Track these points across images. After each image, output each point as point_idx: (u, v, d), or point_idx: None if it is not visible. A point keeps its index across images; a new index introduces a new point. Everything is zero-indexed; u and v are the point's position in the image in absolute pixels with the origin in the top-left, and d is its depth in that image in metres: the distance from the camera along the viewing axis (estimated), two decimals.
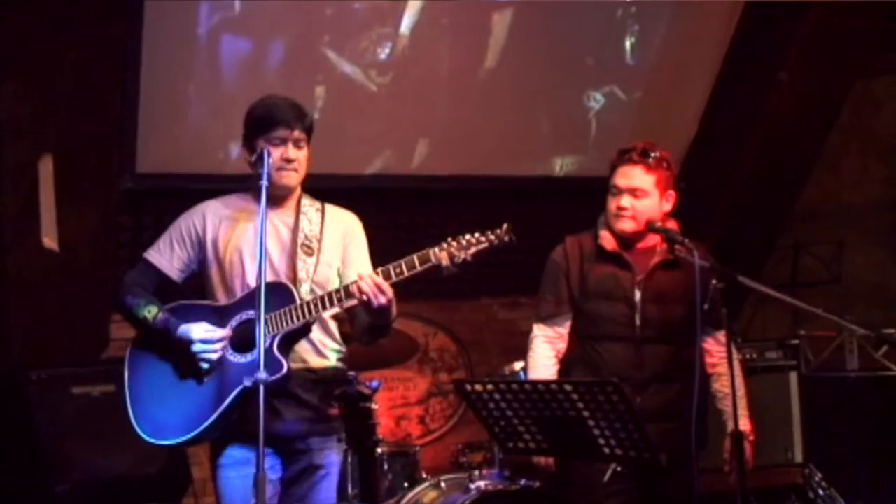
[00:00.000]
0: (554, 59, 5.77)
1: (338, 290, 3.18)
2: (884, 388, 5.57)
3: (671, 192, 3.72)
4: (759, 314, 6.75)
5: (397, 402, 6.25)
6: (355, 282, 3.15)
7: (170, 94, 4.97)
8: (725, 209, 6.45)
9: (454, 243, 3.17)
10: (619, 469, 3.45)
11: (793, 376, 5.60)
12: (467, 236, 3.18)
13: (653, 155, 3.68)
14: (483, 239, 3.18)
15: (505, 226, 3.21)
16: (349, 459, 4.52)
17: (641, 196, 3.65)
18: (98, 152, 4.90)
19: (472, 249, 3.16)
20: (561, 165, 6.12)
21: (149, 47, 4.74)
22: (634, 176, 3.66)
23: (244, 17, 5.02)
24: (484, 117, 5.75)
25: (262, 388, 2.89)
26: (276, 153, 3.23)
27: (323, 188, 5.39)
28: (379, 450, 4.63)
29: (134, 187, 5.03)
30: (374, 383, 4.72)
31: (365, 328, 3.36)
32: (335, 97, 5.37)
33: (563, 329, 3.77)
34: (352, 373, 4.67)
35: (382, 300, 3.13)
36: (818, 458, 5.52)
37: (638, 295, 3.64)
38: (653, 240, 3.71)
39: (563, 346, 3.78)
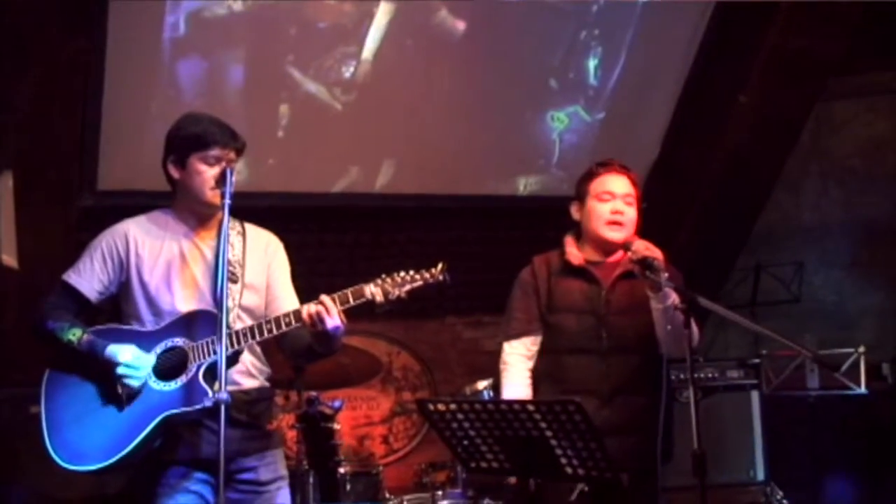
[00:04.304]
0: (518, 79, 5.80)
1: (286, 315, 3.12)
2: (844, 407, 5.63)
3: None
4: (720, 334, 6.80)
5: (360, 422, 6.22)
6: (297, 310, 3.12)
7: (131, 112, 4.94)
8: (687, 230, 6.50)
9: (389, 280, 3.15)
10: (586, 489, 3.44)
11: (754, 395, 5.64)
12: (402, 273, 3.17)
13: (631, 171, 3.74)
14: (418, 277, 3.17)
15: (440, 265, 3.21)
16: (311, 480, 4.51)
17: (632, 204, 3.69)
18: (58, 169, 4.87)
19: (407, 287, 3.15)
20: (525, 185, 6.15)
21: (111, 65, 4.72)
22: (625, 184, 3.70)
23: (208, 36, 5.01)
24: (448, 136, 5.77)
25: (222, 408, 2.86)
26: (210, 172, 3.17)
27: (287, 207, 5.44)
28: (341, 470, 4.61)
29: (94, 204, 4.99)
30: (337, 403, 4.71)
31: (302, 351, 3.30)
32: (299, 116, 5.37)
33: (535, 346, 3.74)
34: (313, 393, 4.67)
35: (331, 324, 3.08)
36: (780, 477, 5.55)
37: (604, 307, 3.64)
38: (619, 253, 3.70)
39: (532, 363, 3.76)
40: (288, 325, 3.12)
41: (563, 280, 3.71)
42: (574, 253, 3.73)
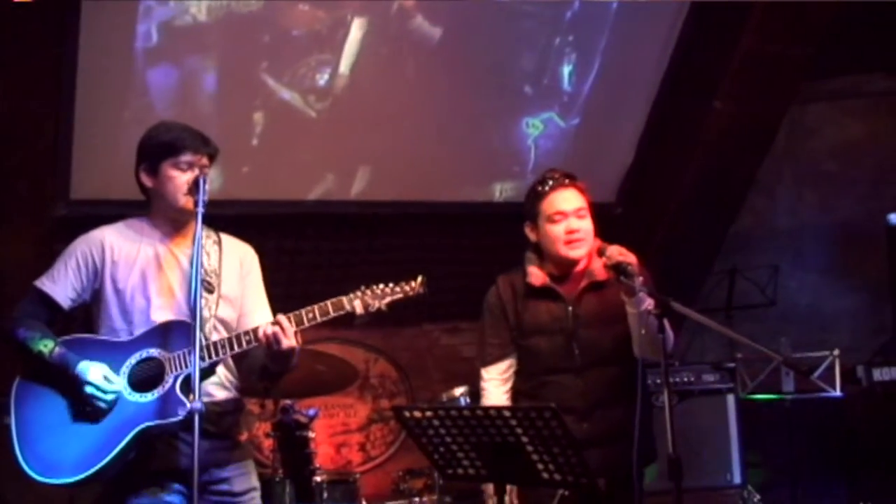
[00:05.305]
0: (493, 86, 5.80)
1: (246, 333, 3.12)
2: (819, 410, 5.66)
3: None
4: (697, 338, 6.83)
5: (337, 429, 6.20)
6: (255, 328, 3.12)
7: (104, 121, 4.91)
8: (662, 235, 6.51)
9: (368, 292, 3.18)
10: (566, 494, 3.44)
11: (730, 399, 5.66)
12: (382, 286, 3.20)
13: (577, 179, 3.69)
14: (398, 290, 3.21)
15: (420, 278, 3.24)
16: (287, 489, 4.50)
17: (584, 217, 3.64)
18: (31, 179, 4.83)
19: (387, 299, 3.18)
20: (500, 191, 6.15)
21: (83, 74, 4.68)
22: (573, 198, 3.64)
23: (181, 44, 4.99)
24: (424, 143, 5.76)
25: (196, 418, 2.86)
26: (183, 178, 3.17)
27: (262, 215, 5.42)
28: (318, 478, 4.60)
29: (68, 214, 4.96)
30: (312, 411, 4.70)
31: (256, 370, 3.29)
32: (274, 123, 5.35)
33: (512, 368, 3.75)
34: (288, 401, 4.66)
35: (286, 345, 3.09)
36: (756, 480, 5.58)
37: (572, 323, 3.63)
38: (582, 263, 3.69)
39: (510, 384, 3.76)
40: (248, 343, 3.11)
41: (529, 303, 3.69)
42: (536, 274, 3.70)
